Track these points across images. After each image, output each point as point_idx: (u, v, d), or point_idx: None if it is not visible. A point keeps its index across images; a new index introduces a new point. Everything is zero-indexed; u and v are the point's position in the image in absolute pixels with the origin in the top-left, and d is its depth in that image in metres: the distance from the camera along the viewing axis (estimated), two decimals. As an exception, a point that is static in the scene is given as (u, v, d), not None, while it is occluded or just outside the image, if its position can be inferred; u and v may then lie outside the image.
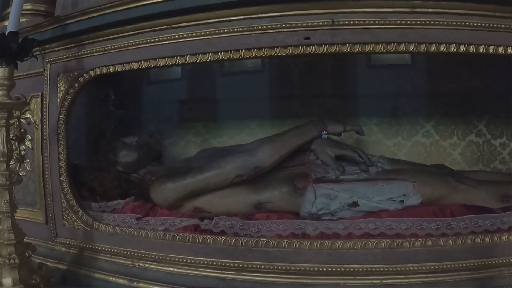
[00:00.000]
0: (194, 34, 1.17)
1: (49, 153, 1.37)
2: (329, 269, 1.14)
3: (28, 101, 1.41)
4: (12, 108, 1.21)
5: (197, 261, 1.22)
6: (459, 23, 1.07)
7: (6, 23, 1.34)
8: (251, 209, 1.32)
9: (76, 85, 1.34)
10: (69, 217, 1.38)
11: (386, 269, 1.12)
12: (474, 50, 1.08)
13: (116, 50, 1.27)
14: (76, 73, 1.33)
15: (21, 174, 1.35)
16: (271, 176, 1.35)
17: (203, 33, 1.16)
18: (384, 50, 1.09)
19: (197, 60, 1.19)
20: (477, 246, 1.12)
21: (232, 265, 1.19)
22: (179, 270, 1.25)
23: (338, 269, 1.14)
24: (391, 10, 1.07)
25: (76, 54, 1.33)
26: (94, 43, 1.30)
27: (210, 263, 1.21)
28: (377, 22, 1.07)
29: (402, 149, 1.80)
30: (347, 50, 1.10)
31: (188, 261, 1.23)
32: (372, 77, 1.81)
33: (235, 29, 1.13)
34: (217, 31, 1.15)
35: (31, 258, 1.23)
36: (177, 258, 1.24)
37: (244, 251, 1.19)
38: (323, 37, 1.10)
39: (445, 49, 1.08)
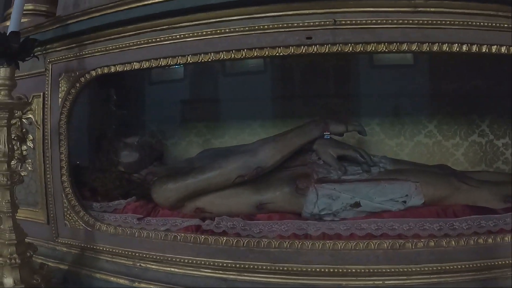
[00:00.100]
0: (195, 34, 1.17)
1: (51, 153, 1.38)
2: (331, 270, 1.13)
3: (29, 101, 1.41)
4: (14, 108, 1.21)
5: (199, 262, 1.22)
6: (461, 22, 1.06)
7: (7, 23, 1.34)
8: (252, 210, 1.31)
9: (78, 85, 1.34)
10: (70, 217, 1.38)
11: (388, 270, 1.12)
12: (477, 49, 1.08)
13: (117, 50, 1.27)
14: (77, 73, 1.33)
15: (22, 174, 1.36)
16: (273, 177, 1.34)
17: (204, 33, 1.16)
18: (386, 50, 1.09)
19: (198, 60, 1.19)
20: (480, 247, 1.11)
21: (233, 265, 1.19)
22: (180, 270, 1.25)
23: (340, 270, 1.13)
24: (393, 9, 1.07)
25: (78, 54, 1.33)
26: (96, 43, 1.30)
27: (211, 263, 1.21)
28: (379, 21, 1.07)
29: (405, 149, 1.79)
30: (349, 50, 1.10)
31: (190, 261, 1.23)
32: (374, 77, 1.80)
33: (236, 29, 1.13)
34: (218, 31, 1.15)
35: (32, 258, 1.23)
36: (179, 258, 1.24)
37: (245, 251, 1.19)
38: (324, 37, 1.10)
39: (447, 49, 1.08)
